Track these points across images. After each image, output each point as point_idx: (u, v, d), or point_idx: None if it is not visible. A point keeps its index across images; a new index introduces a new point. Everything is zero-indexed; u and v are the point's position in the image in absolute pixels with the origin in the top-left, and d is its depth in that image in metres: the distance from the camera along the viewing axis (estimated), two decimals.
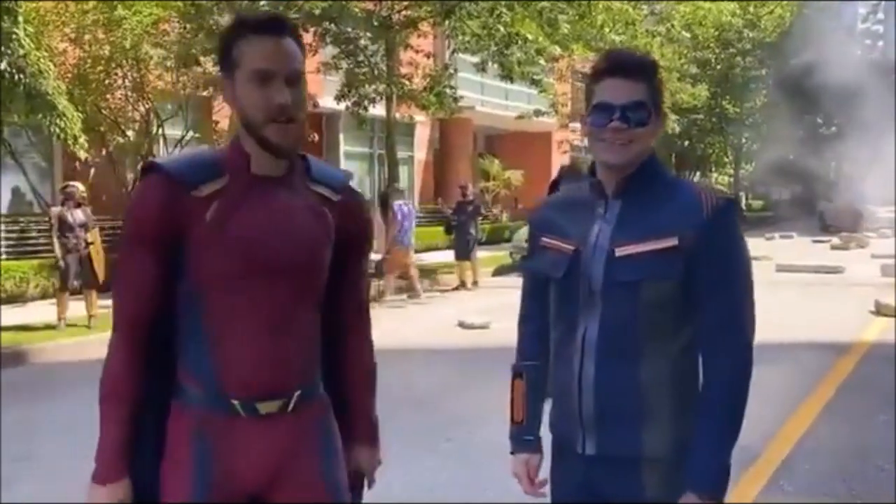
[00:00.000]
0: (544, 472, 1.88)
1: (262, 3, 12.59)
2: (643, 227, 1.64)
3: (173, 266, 1.58)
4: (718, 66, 29.81)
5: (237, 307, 1.57)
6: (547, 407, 1.84)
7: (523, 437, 1.86)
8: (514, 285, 12.75)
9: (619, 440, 1.66)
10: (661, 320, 1.64)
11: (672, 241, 1.61)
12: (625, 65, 1.66)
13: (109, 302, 6.82)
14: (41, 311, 9.61)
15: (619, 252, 1.64)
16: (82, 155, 10.69)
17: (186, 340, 1.61)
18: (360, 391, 1.83)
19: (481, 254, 14.04)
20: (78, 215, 8.69)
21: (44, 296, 10.95)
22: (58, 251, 8.57)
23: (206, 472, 1.59)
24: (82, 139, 10.17)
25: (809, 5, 33.45)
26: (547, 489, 1.86)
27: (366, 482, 1.86)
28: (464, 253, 12.82)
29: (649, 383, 1.65)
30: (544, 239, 1.79)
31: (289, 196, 1.62)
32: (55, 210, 8.83)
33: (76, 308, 8.76)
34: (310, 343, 1.68)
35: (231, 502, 1.61)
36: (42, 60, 9.53)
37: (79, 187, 8.91)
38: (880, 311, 9.49)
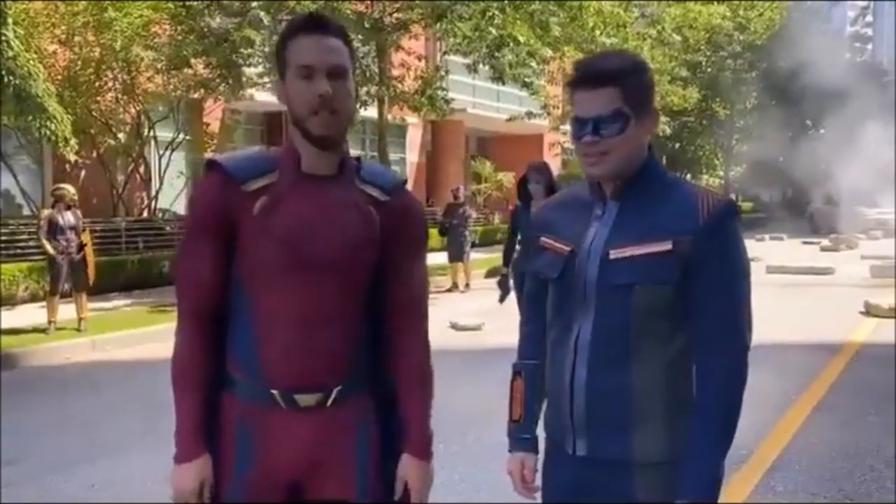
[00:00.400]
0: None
1: (254, 4, 12.57)
2: (639, 230, 1.62)
3: (230, 256, 1.66)
4: (709, 69, 29.93)
5: (278, 299, 1.63)
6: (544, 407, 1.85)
7: (520, 436, 1.85)
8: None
9: (609, 443, 1.65)
10: (655, 325, 1.62)
11: (667, 245, 1.59)
12: (591, 74, 1.61)
13: (100, 304, 6.78)
14: (31, 315, 9.56)
15: (614, 254, 1.63)
16: (72, 157, 10.65)
17: (234, 330, 1.68)
18: (411, 397, 1.77)
19: (474, 256, 14.05)
20: (68, 218, 8.64)
21: (33, 299, 10.89)
22: (50, 251, 8.52)
23: (245, 461, 1.65)
24: (72, 141, 10.13)
25: (799, 7, 33.65)
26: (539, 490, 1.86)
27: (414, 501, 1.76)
28: (457, 255, 12.85)
29: (641, 388, 1.63)
30: (543, 239, 1.78)
31: (335, 194, 1.67)
32: (46, 212, 8.78)
33: (67, 311, 8.71)
34: (352, 339, 1.70)
35: (270, 490, 1.65)
36: (32, 63, 9.50)
37: (69, 189, 8.86)
38: (870, 311, 9.55)
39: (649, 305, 1.61)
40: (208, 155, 15.42)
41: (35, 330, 8.62)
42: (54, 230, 8.54)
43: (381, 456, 1.74)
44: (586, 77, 1.61)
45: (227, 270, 1.66)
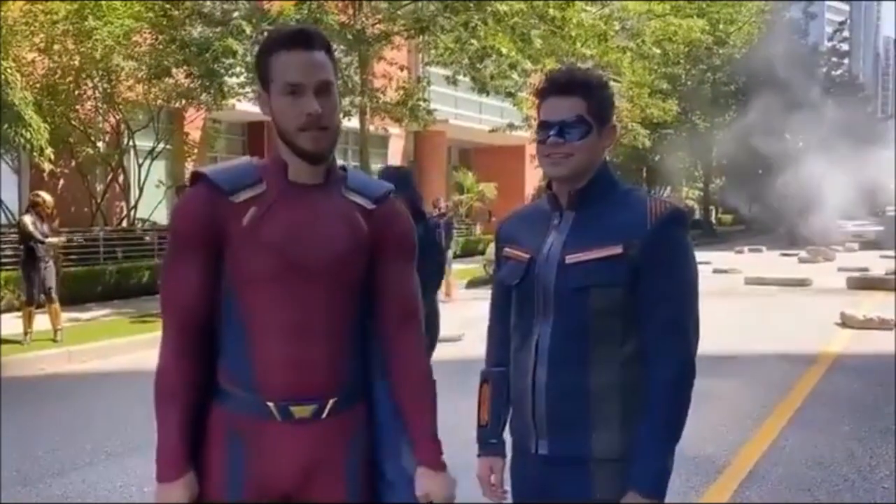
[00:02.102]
0: None
1: (235, 14, 12.57)
2: (592, 236, 1.72)
3: (217, 269, 1.64)
4: (688, 82, 30.24)
5: (268, 308, 1.62)
6: None
7: (488, 440, 1.91)
8: (487, 298, 12.69)
9: (569, 442, 1.73)
10: (611, 326, 1.71)
11: (617, 249, 1.68)
12: (560, 83, 1.75)
13: (78, 315, 6.69)
14: (7, 325, 9.44)
15: (570, 259, 1.72)
16: (47, 167, 10.54)
17: (225, 341, 1.67)
18: (413, 405, 1.75)
19: (455, 266, 14.06)
20: (44, 227, 8.55)
21: (10, 309, 10.75)
22: (41, 252, 8.39)
23: (238, 474, 1.64)
24: (48, 151, 10.03)
25: (777, 22, 34.10)
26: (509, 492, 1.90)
27: None
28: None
29: (599, 388, 1.71)
30: (506, 249, 1.89)
31: (323, 202, 1.67)
32: (28, 218, 8.59)
33: (45, 322, 8.60)
34: (345, 349, 1.69)
35: (264, 502, 1.65)
36: (9, 71, 9.42)
37: (45, 197, 8.75)
38: (846, 322, 9.65)
39: (605, 308, 1.70)
40: (190, 166, 15.37)
41: (10, 341, 8.51)
42: (30, 238, 8.42)
43: (371, 467, 1.73)
44: (555, 86, 1.75)
45: (213, 283, 1.65)
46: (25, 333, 8.46)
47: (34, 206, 8.62)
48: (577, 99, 1.72)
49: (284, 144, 1.65)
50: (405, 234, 1.79)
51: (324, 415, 1.65)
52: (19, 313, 9.03)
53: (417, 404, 1.75)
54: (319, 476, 1.66)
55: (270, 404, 1.63)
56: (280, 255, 1.61)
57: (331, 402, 1.66)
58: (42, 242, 8.44)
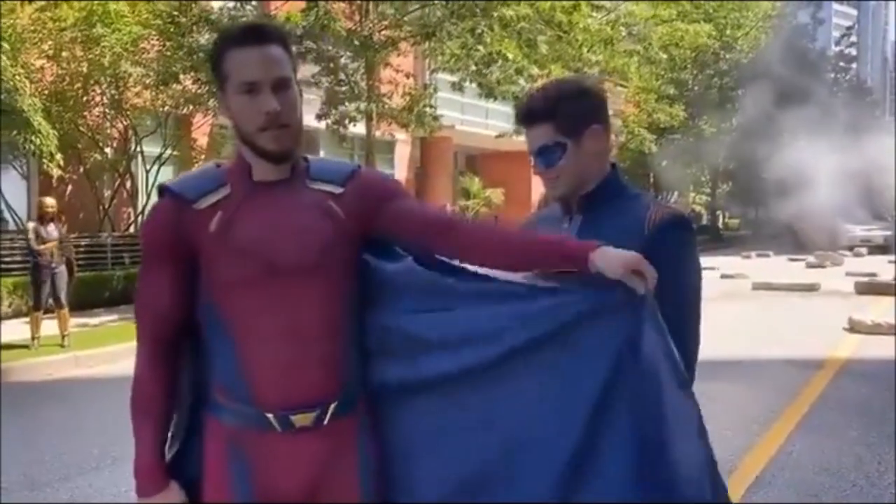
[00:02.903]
0: None
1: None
2: (597, 239, 1.68)
3: (191, 280, 1.60)
4: (695, 88, 30.20)
5: (253, 315, 1.57)
6: None
7: None
8: None
9: None
10: None
11: None
12: (523, 115, 1.80)
13: (85, 320, 6.73)
14: (15, 330, 9.49)
15: None
16: (56, 172, 10.60)
17: (213, 355, 1.62)
18: (524, 246, 1.65)
19: None
20: (51, 231, 8.58)
21: (17, 315, 10.80)
22: (48, 258, 8.44)
23: (245, 490, 1.58)
24: (58, 157, 10.09)
25: (784, 28, 34.04)
26: None
27: None
28: None
29: None
30: None
31: (291, 197, 1.61)
32: (31, 225, 8.71)
33: (52, 327, 8.64)
34: (341, 348, 1.62)
35: None
36: (18, 77, 9.48)
37: (45, 201, 8.78)
38: (854, 327, 9.60)
39: None
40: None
41: (19, 346, 8.55)
42: (37, 244, 8.47)
43: (381, 470, 1.67)
44: (522, 117, 1.81)
45: (186, 292, 1.61)
46: (33, 338, 8.50)
47: (41, 212, 8.68)
48: (542, 125, 1.76)
49: (245, 145, 1.59)
50: (381, 182, 1.73)
51: (325, 421, 1.60)
52: (28, 318, 9.08)
53: (524, 242, 1.65)
54: (332, 482, 1.61)
55: (269, 416, 1.57)
56: (253, 257, 1.55)
57: (332, 406, 1.60)
58: (37, 249, 8.44)
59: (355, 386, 1.66)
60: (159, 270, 1.60)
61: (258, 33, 1.56)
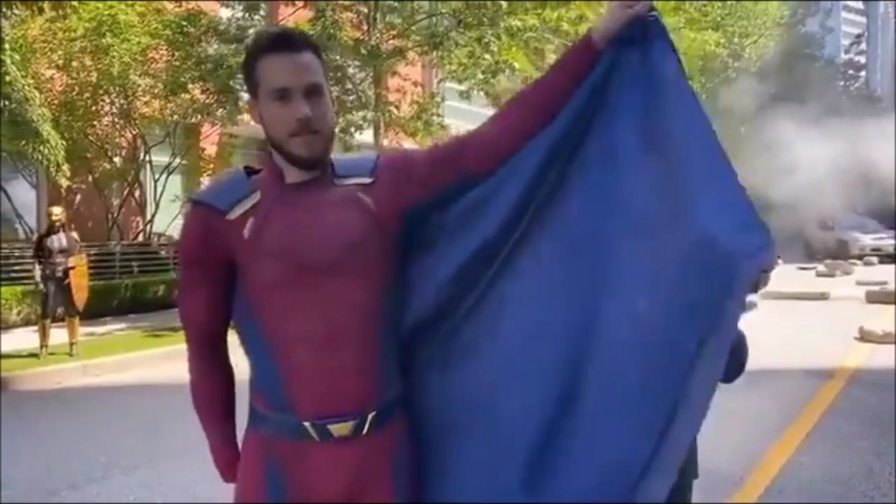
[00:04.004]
0: None
1: (250, 32, 12.66)
2: None
3: (228, 284, 1.62)
4: (704, 96, 30.15)
5: (289, 320, 1.55)
6: None
7: None
8: None
9: None
10: None
11: None
12: None
13: (94, 329, 6.72)
14: (24, 339, 9.52)
15: None
16: (64, 183, 10.66)
17: (252, 361, 1.63)
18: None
19: None
20: (60, 241, 8.58)
21: (27, 323, 10.85)
22: (36, 275, 8.46)
23: (280, 498, 1.58)
24: (65, 167, 10.15)
25: (792, 35, 34.00)
26: None
27: None
28: None
29: None
30: None
31: (320, 195, 1.60)
32: (37, 235, 8.75)
33: (61, 336, 8.66)
34: (380, 353, 1.59)
35: None
36: (27, 87, 9.55)
37: (53, 211, 8.80)
38: (864, 337, 9.53)
39: None
40: (206, 181, 15.47)
41: (27, 354, 8.57)
42: (44, 253, 8.49)
43: (416, 483, 1.65)
44: None
45: (225, 298, 1.62)
46: (42, 347, 8.51)
47: (50, 222, 8.68)
48: None
49: (276, 152, 1.59)
50: (402, 155, 1.74)
51: (364, 430, 1.56)
52: (37, 327, 9.10)
53: (536, 96, 1.68)
54: (366, 490, 1.58)
55: (307, 424, 1.54)
56: (286, 257, 1.54)
57: (370, 415, 1.56)
58: (52, 256, 8.45)
59: (395, 391, 1.63)
60: (195, 278, 1.64)
61: (290, 40, 1.57)
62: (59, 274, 8.48)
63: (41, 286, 8.48)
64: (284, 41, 1.56)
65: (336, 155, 1.71)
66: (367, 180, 1.64)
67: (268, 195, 1.59)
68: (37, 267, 8.49)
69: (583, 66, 1.62)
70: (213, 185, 1.69)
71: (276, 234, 1.55)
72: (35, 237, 8.74)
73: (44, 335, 8.53)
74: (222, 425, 1.71)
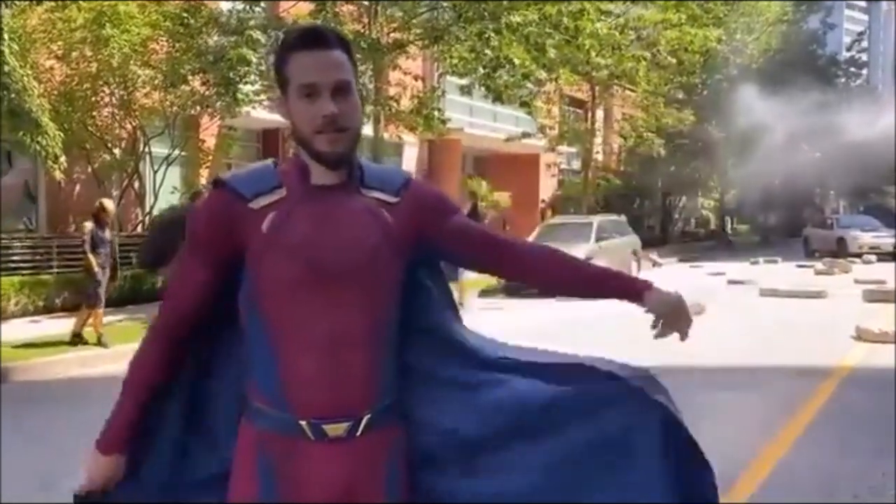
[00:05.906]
0: None
1: (251, 24, 12.65)
2: None
3: (226, 276, 1.61)
4: (704, 92, 30.11)
5: (295, 319, 1.56)
6: None
7: None
8: (499, 307, 12.86)
9: None
10: None
11: None
12: None
13: (89, 321, 6.66)
14: (23, 329, 9.52)
15: None
16: (59, 175, 10.66)
17: (252, 356, 1.61)
18: (581, 271, 1.78)
19: (468, 275, 14.04)
20: (106, 232, 8.91)
21: (24, 313, 10.85)
22: (94, 266, 8.69)
23: (271, 494, 1.58)
24: (62, 159, 10.14)
25: (794, 31, 33.93)
26: None
27: None
28: (451, 274, 12.83)
29: None
30: None
31: (345, 202, 1.60)
32: (88, 226, 8.92)
33: (63, 325, 8.69)
34: (381, 359, 1.61)
35: None
36: (26, 78, 9.52)
37: (107, 204, 9.09)
38: (862, 336, 9.53)
39: None
40: (205, 172, 15.46)
41: (25, 345, 8.58)
42: (95, 244, 8.77)
43: (410, 489, 1.66)
44: None
45: (214, 294, 1.62)
46: (98, 335, 8.75)
47: (96, 214, 8.89)
48: None
49: (302, 148, 1.60)
50: (437, 196, 1.74)
51: (359, 432, 1.58)
52: (35, 317, 9.16)
53: (581, 269, 1.77)
54: (358, 495, 1.59)
55: (303, 423, 1.56)
56: (301, 258, 1.54)
57: (365, 418, 1.58)
58: (104, 246, 8.82)
59: (391, 399, 1.64)
60: (197, 259, 1.61)
61: (320, 37, 1.57)
62: (107, 264, 8.82)
63: (98, 276, 8.70)
64: (315, 38, 1.57)
65: (365, 159, 1.73)
66: (392, 199, 1.65)
67: (293, 193, 1.59)
68: (91, 257, 8.70)
69: (622, 297, 1.73)
70: (241, 171, 1.68)
71: (296, 233, 1.56)
72: (88, 229, 8.86)
73: (97, 324, 8.79)
74: (138, 411, 1.70)
